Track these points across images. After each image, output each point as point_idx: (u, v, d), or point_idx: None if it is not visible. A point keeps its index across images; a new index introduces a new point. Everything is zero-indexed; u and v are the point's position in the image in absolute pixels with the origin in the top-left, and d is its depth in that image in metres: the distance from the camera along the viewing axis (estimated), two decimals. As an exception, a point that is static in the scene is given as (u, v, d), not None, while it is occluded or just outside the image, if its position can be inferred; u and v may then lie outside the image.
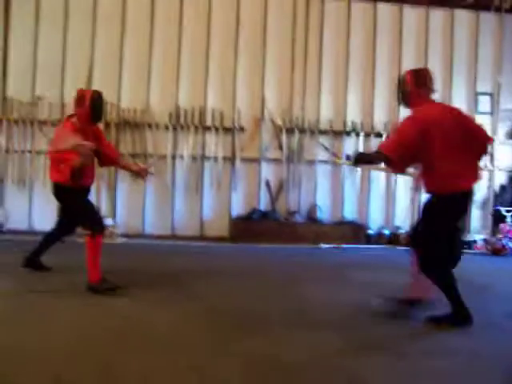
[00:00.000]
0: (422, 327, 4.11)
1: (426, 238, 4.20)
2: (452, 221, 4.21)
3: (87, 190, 5.27)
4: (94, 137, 5.12)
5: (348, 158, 4.59)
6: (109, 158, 5.45)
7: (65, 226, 5.65)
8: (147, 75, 9.10)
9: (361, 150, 4.69)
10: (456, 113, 4.31)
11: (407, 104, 4.39)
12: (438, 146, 4.02)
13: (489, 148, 4.49)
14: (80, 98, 5.00)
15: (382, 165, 4.51)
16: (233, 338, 3.66)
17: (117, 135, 8.96)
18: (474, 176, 4.25)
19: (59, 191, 5.14)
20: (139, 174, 5.62)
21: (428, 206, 4.27)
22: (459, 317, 4.07)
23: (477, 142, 4.23)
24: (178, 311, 4.31)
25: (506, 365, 3.33)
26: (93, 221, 4.99)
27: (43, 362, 3.03)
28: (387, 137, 4.48)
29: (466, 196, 4.21)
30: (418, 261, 4.23)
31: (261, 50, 9.40)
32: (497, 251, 8.44)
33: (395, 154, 4.10)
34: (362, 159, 4.62)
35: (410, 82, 4.27)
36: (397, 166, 4.31)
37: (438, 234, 4.14)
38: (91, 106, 4.95)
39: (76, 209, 5.15)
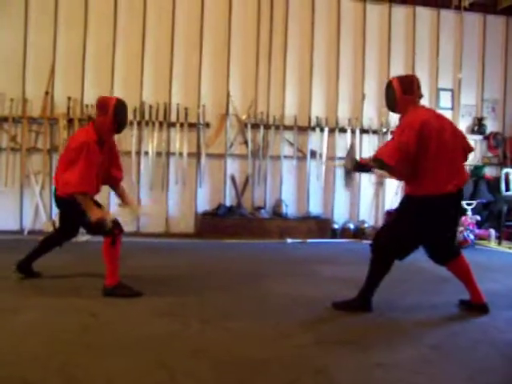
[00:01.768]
0: (386, 319, 4.19)
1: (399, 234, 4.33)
2: (435, 224, 4.30)
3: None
4: (109, 149, 4.93)
5: (346, 168, 4.70)
6: (111, 178, 5.11)
7: (68, 231, 5.26)
8: (111, 70, 8.99)
9: (357, 157, 4.92)
10: (442, 117, 4.46)
11: (395, 110, 4.50)
12: (431, 148, 4.13)
13: (469, 156, 4.61)
14: (103, 105, 4.70)
15: (381, 171, 4.65)
16: (198, 334, 3.68)
17: (80, 131, 8.84)
18: (462, 178, 4.36)
19: (65, 203, 4.82)
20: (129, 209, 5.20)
21: (409, 207, 4.40)
22: (362, 303, 4.36)
23: (461, 147, 4.41)
24: (144, 308, 4.31)
25: (467, 357, 3.42)
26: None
27: (9, 365, 2.98)
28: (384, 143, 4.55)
29: (454, 197, 4.33)
30: (375, 241, 4.45)
31: (225, 46, 9.39)
32: (459, 244, 8.60)
33: (398, 163, 4.14)
34: (361, 169, 4.80)
35: (397, 90, 4.34)
36: (400, 173, 4.39)
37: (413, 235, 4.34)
38: (114, 114, 4.66)
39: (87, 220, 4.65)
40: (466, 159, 4.55)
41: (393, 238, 4.32)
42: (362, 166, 4.71)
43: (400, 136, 4.22)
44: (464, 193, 9.35)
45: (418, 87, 4.41)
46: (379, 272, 4.35)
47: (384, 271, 4.35)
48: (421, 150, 4.11)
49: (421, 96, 4.42)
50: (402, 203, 4.57)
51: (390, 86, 4.44)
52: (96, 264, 6.29)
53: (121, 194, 5.25)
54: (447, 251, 4.46)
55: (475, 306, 4.43)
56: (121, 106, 4.77)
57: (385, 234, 4.45)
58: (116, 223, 4.74)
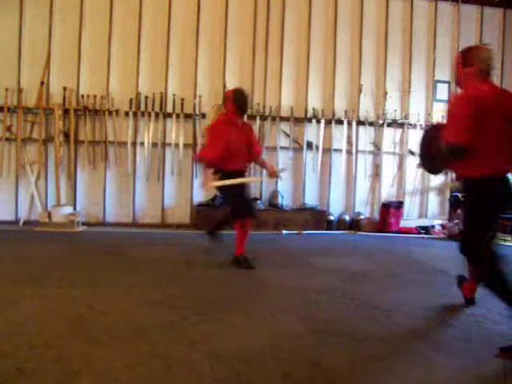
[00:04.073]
0: (380, 311, 4.21)
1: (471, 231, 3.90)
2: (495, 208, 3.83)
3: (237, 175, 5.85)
4: (243, 129, 6.02)
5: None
6: (255, 153, 6.16)
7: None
8: (107, 61, 8.93)
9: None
10: (506, 94, 3.96)
11: (458, 85, 4.14)
12: (486, 125, 3.65)
13: None
14: (226, 97, 6.07)
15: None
16: (194, 325, 3.68)
17: (76, 122, 8.81)
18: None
19: None
20: (271, 174, 6.45)
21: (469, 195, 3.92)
22: None
23: None
24: (140, 299, 4.31)
25: (462, 348, 3.44)
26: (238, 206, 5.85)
27: (5, 355, 2.98)
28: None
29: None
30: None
31: (222, 37, 9.34)
32: (453, 236, 8.64)
33: (466, 140, 3.64)
34: (440, 166, 4.31)
35: (459, 63, 4.02)
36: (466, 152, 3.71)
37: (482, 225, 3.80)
38: (235, 100, 5.83)
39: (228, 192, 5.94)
40: None
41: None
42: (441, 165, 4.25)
43: (458, 113, 3.77)
44: (459, 185, 9.26)
45: (482, 59, 3.90)
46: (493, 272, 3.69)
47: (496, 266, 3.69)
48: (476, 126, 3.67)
49: (485, 69, 3.90)
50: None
51: (455, 59, 4.13)
52: (91, 254, 6.31)
53: (262, 165, 6.52)
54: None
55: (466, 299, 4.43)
56: (239, 94, 5.96)
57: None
58: (248, 210, 5.88)
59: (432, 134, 4.32)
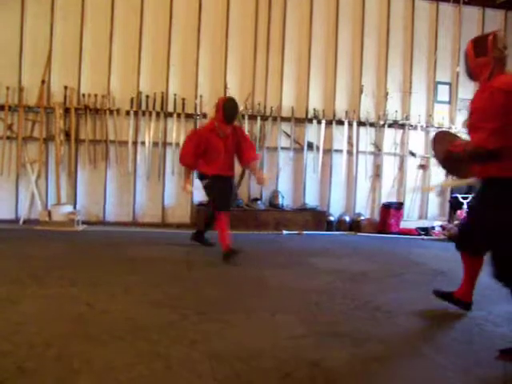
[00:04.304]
0: (381, 313, 4.20)
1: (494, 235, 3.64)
2: None
3: (222, 178, 6.30)
4: (234, 136, 6.32)
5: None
6: (245, 158, 6.49)
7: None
8: (108, 60, 8.93)
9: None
10: None
11: (472, 78, 3.94)
12: None
13: None
14: (217, 105, 6.24)
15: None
16: (194, 325, 3.67)
17: (77, 121, 8.81)
18: None
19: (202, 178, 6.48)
20: (258, 181, 6.72)
21: (492, 194, 3.69)
22: None
23: None
24: (140, 298, 4.30)
25: (463, 350, 3.43)
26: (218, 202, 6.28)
27: (6, 354, 2.97)
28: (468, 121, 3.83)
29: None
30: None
31: (223, 37, 9.34)
32: (453, 237, 8.63)
33: (497, 142, 3.44)
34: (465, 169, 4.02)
35: (470, 53, 3.83)
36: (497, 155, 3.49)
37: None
38: (223, 109, 6.11)
39: (209, 191, 6.46)
40: None
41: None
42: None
43: (487, 110, 3.53)
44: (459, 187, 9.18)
45: (496, 48, 3.70)
46: None
47: None
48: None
49: (499, 58, 3.70)
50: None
51: (465, 50, 3.89)
52: (91, 253, 6.31)
53: (253, 170, 6.92)
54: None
55: (460, 302, 4.29)
56: (227, 103, 6.21)
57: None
58: (221, 206, 6.22)
59: (443, 139, 4.20)
